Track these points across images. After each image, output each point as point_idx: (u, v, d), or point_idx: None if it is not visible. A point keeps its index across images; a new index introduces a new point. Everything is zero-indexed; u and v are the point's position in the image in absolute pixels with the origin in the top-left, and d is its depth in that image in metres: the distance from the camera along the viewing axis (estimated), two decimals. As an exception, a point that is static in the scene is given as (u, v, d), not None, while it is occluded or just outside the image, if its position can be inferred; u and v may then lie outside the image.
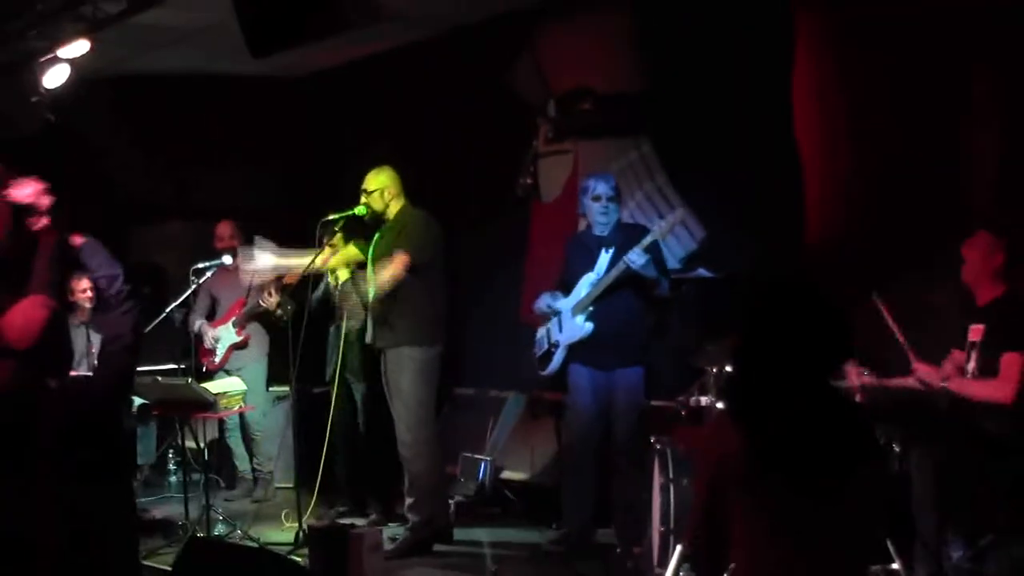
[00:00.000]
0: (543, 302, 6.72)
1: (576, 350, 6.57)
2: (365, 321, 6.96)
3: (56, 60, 7.16)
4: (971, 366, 5.41)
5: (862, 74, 6.47)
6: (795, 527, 2.88)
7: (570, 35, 8.03)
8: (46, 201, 4.86)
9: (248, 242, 8.23)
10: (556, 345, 6.64)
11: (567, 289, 6.64)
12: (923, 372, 5.42)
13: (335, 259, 7.00)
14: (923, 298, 5.95)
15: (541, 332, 6.79)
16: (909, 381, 5.48)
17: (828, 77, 6.66)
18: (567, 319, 6.58)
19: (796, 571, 2.87)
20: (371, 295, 6.71)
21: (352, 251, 6.95)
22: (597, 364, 6.51)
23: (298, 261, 6.90)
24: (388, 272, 6.51)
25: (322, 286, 7.28)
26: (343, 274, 7.12)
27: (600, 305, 6.45)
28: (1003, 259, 5.43)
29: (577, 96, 7.97)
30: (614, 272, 6.35)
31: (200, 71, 9.21)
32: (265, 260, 6.86)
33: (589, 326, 6.47)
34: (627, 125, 7.68)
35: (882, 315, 5.53)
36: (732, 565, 3.05)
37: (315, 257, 6.77)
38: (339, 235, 6.93)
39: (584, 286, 6.51)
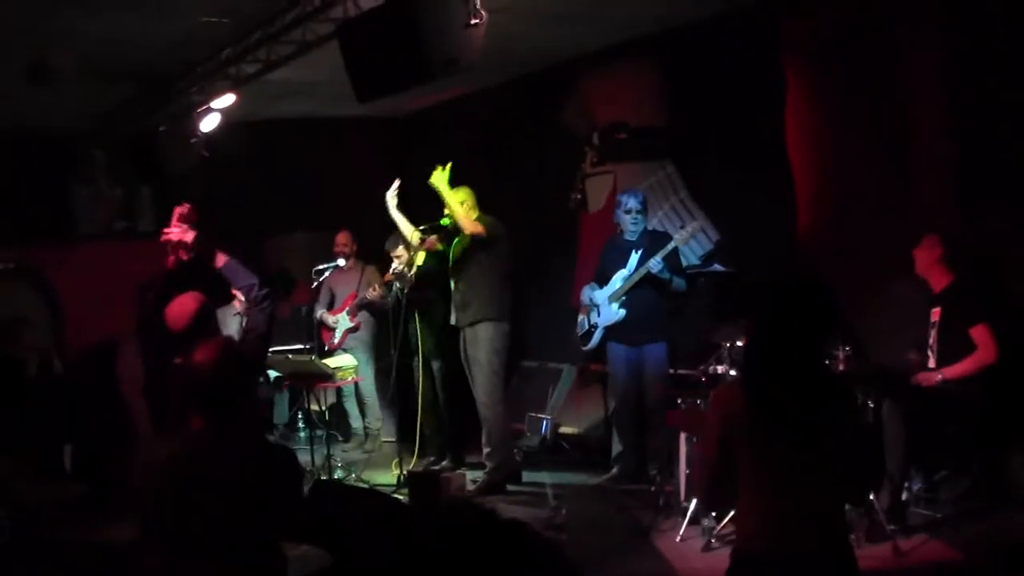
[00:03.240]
0: (585, 295, 6.86)
1: (612, 331, 6.70)
2: (430, 306, 7.03)
3: (210, 110, 7.30)
4: (932, 341, 5.48)
5: (840, 109, 6.47)
6: (786, 471, 2.91)
7: (608, 81, 8.00)
8: (192, 235, 5.21)
9: (360, 249, 8.33)
10: (595, 327, 6.76)
11: (603, 281, 6.77)
12: (923, 378, 5.38)
13: (418, 253, 7.02)
14: (888, 288, 5.97)
15: (581, 318, 6.92)
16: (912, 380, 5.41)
17: (814, 112, 6.63)
18: (604, 307, 6.71)
19: (785, 507, 2.90)
20: (452, 283, 6.78)
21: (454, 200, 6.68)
22: (629, 342, 6.67)
23: (401, 222, 7.04)
24: (470, 223, 6.58)
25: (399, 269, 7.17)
26: (412, 270, 7.06)
27: (630, 295, 6.60)
28: (942, 251, 5.45)
29: (615, 128, 7.91)
30: (641, 271, 6.50)
31: (314, 114, 9.32)
32: (391, 201, 7.01)
33: (622, 312, 6.62)
34: (655, 151, 7.67)
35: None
36: (735, 509, 3.10)
37: (408, 229, 6.97)
38: (435, 236, 7.01)
39: (617, 280, 6.66)
